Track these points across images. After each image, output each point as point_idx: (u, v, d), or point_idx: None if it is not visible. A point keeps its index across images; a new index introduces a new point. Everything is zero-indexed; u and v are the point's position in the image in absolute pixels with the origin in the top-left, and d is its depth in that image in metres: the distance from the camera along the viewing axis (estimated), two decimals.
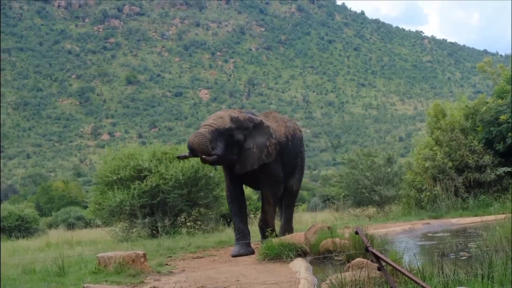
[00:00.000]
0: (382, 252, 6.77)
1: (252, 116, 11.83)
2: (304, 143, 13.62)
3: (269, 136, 11.67)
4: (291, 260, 9.71)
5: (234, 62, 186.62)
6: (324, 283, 6.98)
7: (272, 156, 11.73)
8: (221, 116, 11.11)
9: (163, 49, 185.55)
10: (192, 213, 19.45)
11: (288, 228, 12.86)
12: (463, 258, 8.75)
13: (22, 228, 29.10)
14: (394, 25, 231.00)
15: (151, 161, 18.18)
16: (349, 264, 7.62)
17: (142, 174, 17.96)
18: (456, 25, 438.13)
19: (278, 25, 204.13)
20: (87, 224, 32.80)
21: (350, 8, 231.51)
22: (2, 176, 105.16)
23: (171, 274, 9.27)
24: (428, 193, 18.23)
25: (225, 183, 12.30)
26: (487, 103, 18.72)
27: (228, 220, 21.01)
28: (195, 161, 17.77)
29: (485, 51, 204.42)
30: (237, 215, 11.71)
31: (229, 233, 16.03)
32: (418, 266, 6.77)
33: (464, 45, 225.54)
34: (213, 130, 10.68)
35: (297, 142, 12.87)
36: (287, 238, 10.57)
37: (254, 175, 11.71)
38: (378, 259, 5.75)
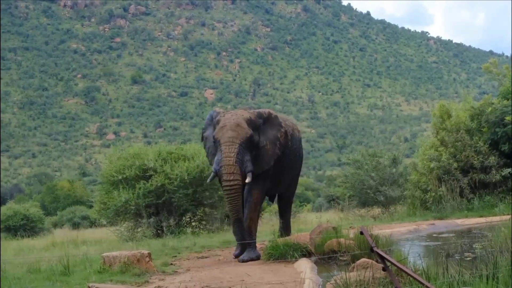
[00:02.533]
0: (387, 252, 6.77)
1: (260, 111, 11.20)
2: (302, 146, 12.88)
3: (279, 127, 11.12)
4: (296, 260, 9.71)
5: (240, 62, 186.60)
6: (329, 283, 6.98)
7: (283, 146, 11.24)
8: (238, 124, 10.36)
9: (169, 49, 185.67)
10: (197, 212, 19.48)
11: (288, 234, 12.34)
12: (468, 258, 8.74)
13: (27, 228, 29.18)
14: (399, 26, 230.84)
15: (156, 160, 18.21)
16: (354, 264, 7.61)
17: (148, 174, 18.00)
18: (461, 26, 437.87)
19: (284, 25, 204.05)
20: (92, 224, 32.81)
21: (356, 8, 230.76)
22: (8, 175, 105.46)
23: (176, 274, 9.28)
24: (433, 194, 18.24)
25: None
26: (493, 104, 18.71)
27: None
28: (200, 160, 17.84)
29: (491, 52, 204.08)
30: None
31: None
32: (423, 267, 6.77)
33: (469, 46, 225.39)
34: (238, 148, 10.15)
35: (296, 143, 12.15)
36: (292, 238, 10.58)
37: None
38: (383, 259, 5.75)
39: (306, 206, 38.69)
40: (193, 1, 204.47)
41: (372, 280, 6.61)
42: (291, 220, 13.87)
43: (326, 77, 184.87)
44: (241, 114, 10.73)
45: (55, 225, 37.66)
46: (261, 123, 10.91)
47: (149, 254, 9.50)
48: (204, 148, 11.73)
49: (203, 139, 11.66)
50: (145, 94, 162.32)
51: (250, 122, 10.56)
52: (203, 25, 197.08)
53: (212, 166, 10.74)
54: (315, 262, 9.61)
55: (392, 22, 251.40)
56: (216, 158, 10.44)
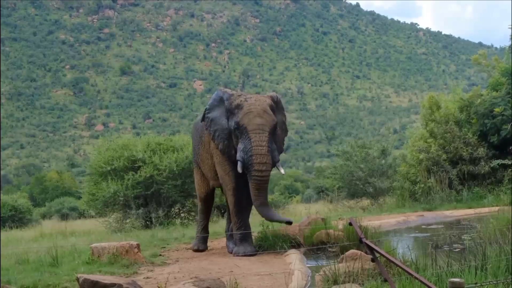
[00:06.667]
0: (376, 243, 6.75)
1: (272, 95, 10.58)
2: None
3: (283, 111, 10.70)
4: (285, 251, 9.70)
5: (229, 53, 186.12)
6: (318, 274, 6.97)
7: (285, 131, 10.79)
8: (265, 110, 9.78)
9: (158, 40, 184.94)
10: (186, 204, 19.46)
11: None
12: (457, 250, 8.76)
13: (15, 219, 29.06)
14: (389, 17, 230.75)
15: (145, 152, 18.19)
16: (343, 255, 7.61)
17: (136, 165, 17.97)
18: (451, 18, 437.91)
19: (273, 16, 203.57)
20: (81, 215, 32.78)
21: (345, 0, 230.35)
22: None
23: (165, 265, 9.26)
24: (422, 185, 18.29)
25: (231, 180, 10.28)
26: (482, 95, 18.79)
27: (222, 211, 21.00)
28: (189, 152, 17.79)
29: (480, 44, 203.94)
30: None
31: (222, 224, 16.02)
32: (411, 258, 6.77)
33: (459, 38, 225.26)
34: (268, 136, 9.62)
35: None
36: (282, 229, 10.56)
37: None
38: (372, 250, 5.73)
39: (295, 197, 38.76)
40: None
41: (361, 271, 6.61)
42: (281, 212, 13.81)
43: (315, 68, 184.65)
44: (263, 99, 10.12)
45: (43, 216, 37.48)
46: (275, 108, 10.27)
47: (138, 245, 9.48)
48: (208, 129, 10.38)
49: (204, 119, 10.53)
50: (134, 85, 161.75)
51: (271, 108, 10.02)
52: (192, 16, 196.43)
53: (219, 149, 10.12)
54: (304, 253, 9.61)
55: (381, 14, 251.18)
56: (241, 146, 9.69)
